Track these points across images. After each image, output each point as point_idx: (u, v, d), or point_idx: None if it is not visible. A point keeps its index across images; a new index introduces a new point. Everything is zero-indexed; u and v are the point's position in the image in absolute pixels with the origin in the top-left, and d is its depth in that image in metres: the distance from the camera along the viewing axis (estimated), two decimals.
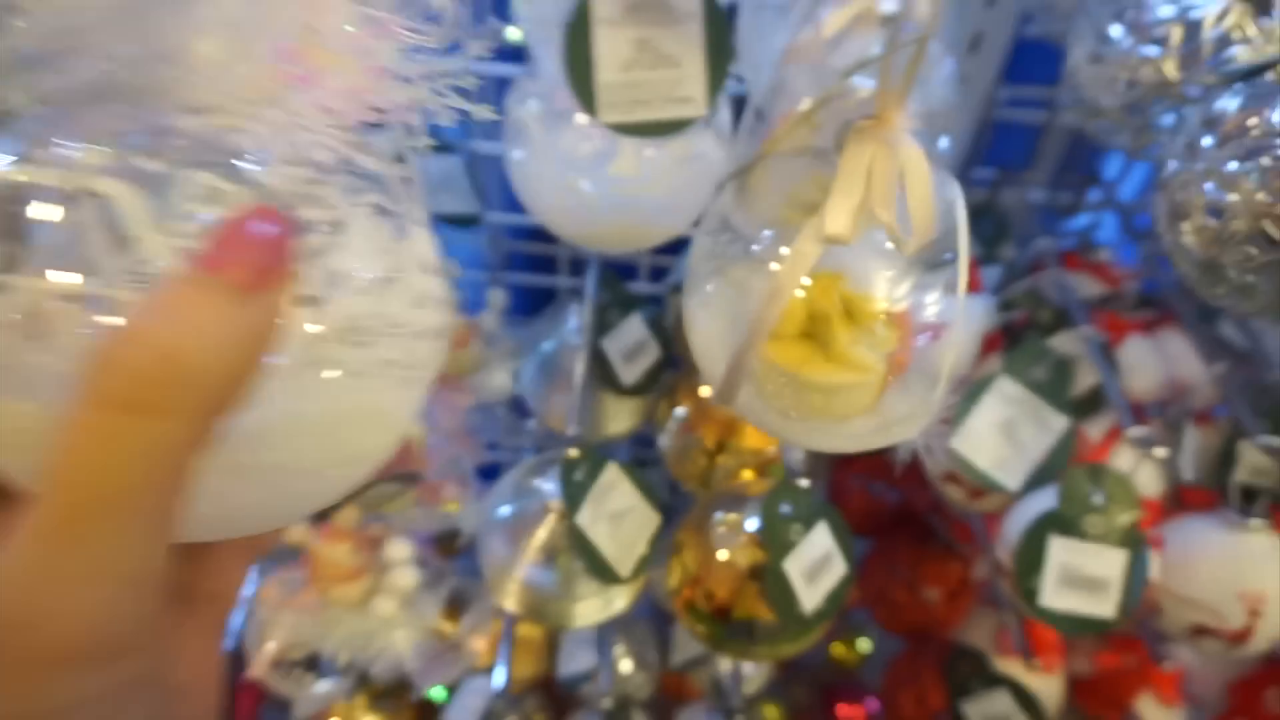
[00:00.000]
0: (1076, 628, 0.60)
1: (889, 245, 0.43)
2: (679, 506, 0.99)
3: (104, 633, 0.17)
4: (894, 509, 1.01)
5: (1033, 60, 0.78)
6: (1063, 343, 0.68)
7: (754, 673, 0.99)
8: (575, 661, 0.97)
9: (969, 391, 0.66)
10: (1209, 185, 0.42)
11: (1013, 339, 0.73)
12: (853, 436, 0.46)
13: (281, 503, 0.23)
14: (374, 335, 0.22)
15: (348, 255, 0.21)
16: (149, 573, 0.17)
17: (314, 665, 0.75)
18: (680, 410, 0.77)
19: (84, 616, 0.16)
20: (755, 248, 0.47)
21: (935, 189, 0.41)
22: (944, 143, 0.55)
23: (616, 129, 0.49)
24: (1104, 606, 0.59)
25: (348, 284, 0.21)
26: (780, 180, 0.47)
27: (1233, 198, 0.41)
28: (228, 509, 0.21)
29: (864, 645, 1.19)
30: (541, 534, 0.67)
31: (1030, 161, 0.84)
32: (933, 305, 0.47)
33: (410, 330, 0.23)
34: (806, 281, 0.45)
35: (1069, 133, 0.82)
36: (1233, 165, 0.41)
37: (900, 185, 0.40)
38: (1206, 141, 0.43)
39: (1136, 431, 0.57)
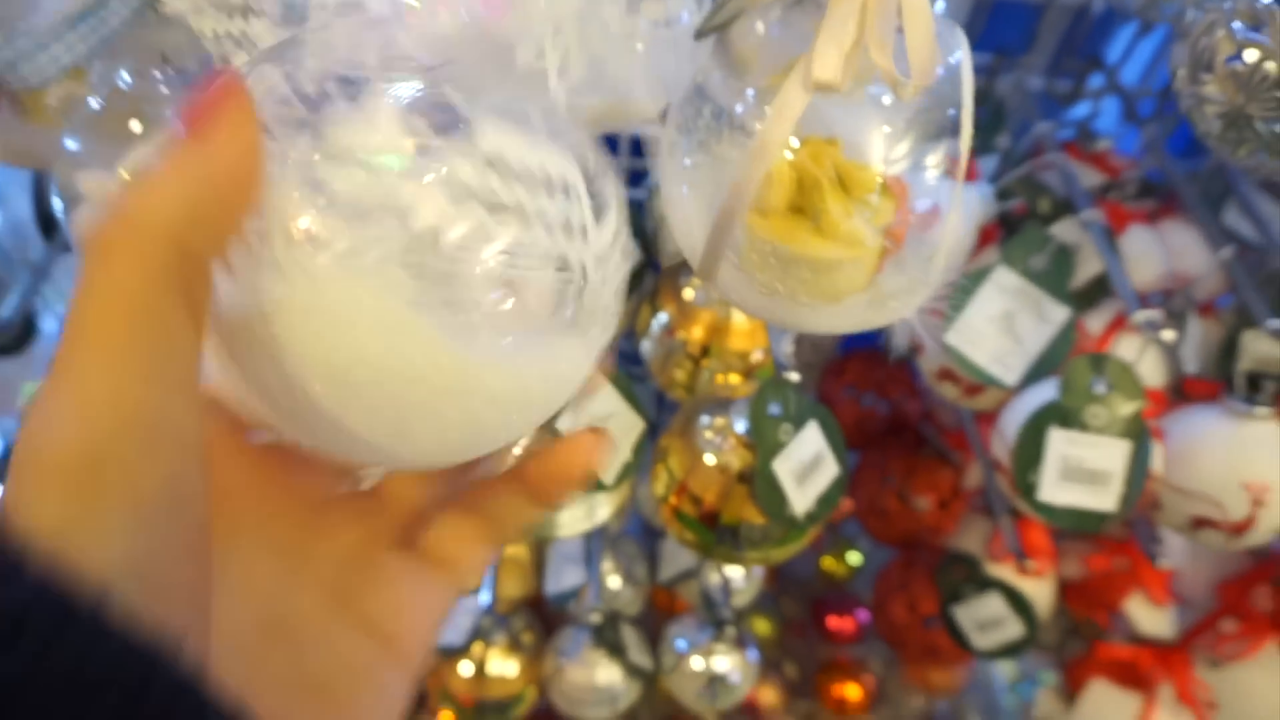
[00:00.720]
0: (1076, 522, 0.58)
1: (886, 101, 0.39)
2: (666, 421, 0.97)
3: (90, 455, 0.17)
4: (885, 419, 0.99)
5: None
6: (1063, 231, 0.65)
7: (744, 586, 0.98)
8: (563, 578, 0.95)
9: (964, 283, 0.63)
10: (1236, 24, 0.38)
11: (1010, 229, 0.69)
12: (843, 313, 0.43)
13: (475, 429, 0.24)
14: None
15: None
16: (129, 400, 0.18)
17: None
18: (663, 315, 0.74)
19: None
20: (735, 116, 0.43)
21: (937, 35, 0.37)
22: (941, 3, 0.51)
23: None
24: (1105, 499, 0.57)
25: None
26: (766, 36, 0.43)
27: (1264, 37, 0.37)
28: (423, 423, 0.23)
29: (854, 558, 1.18)
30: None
31: (1028, 45, 0.79)
32: (932, 175, 0.43)
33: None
34: (796, 146, 0.41)
35: (1069, 13, 0.77)
36: (1265, 1, 0.37)
37: (898, 25, 0.36)
38: None
39: (1142, 315, 0.55)
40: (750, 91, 0.42)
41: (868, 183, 0.43)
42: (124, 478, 0.17)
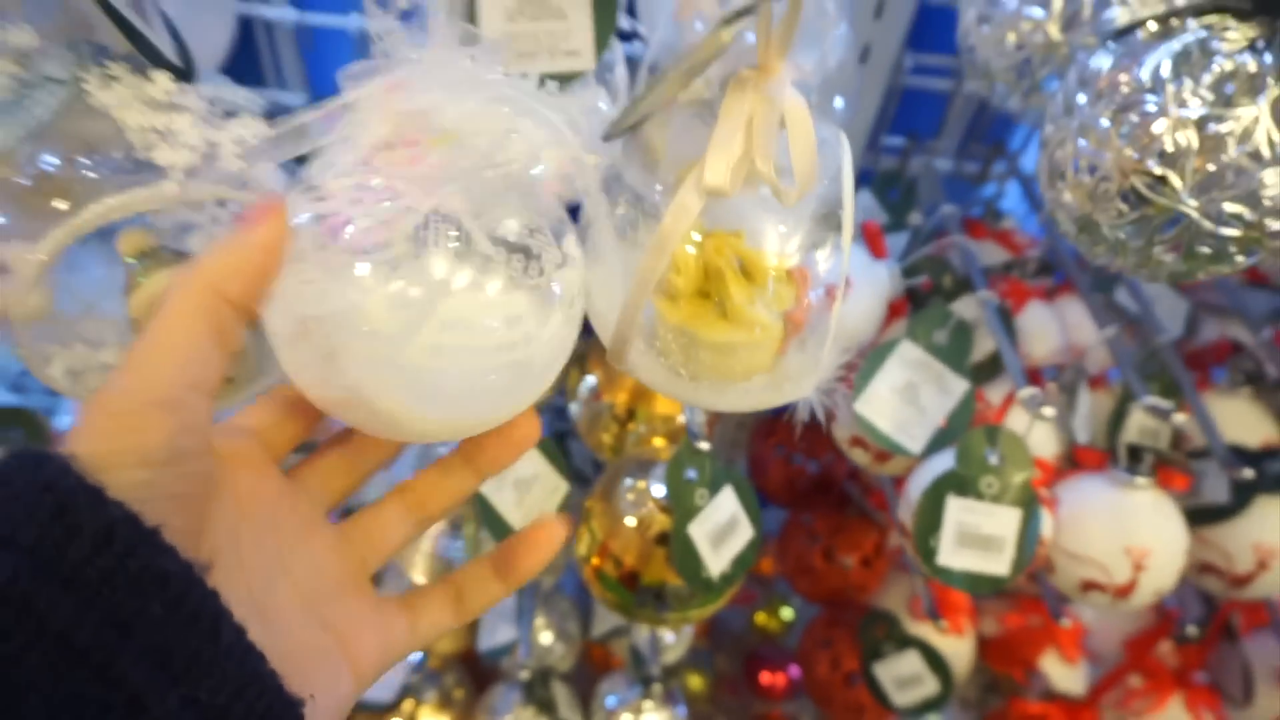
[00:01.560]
0: (973, 585, 0.61)
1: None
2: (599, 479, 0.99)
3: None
4: (813, 478, 1.02)
5: (939, 28, 0.79)
6: (964, 307, 0.69)
7: (675, 642, 1.00)
8: (496, 634, 0.96)
9: (872, 356, 0.67)
10: (1083, 142, 0.43)
11: (917, 305, 0.74)
12: (745, 394, 0.46)
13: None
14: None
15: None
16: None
17: None
18: (590, 378, 0.77)
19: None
20: (648, 202, 0.46)
21: (824, 143, 0.41)
22: (839, 103, 0.55)
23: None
24: (998, 564, 0.61)
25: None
26: (673, 135, 0.46)
27: (1105, 155, 0.42)
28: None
29: (787, 614, 1.21)
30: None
31: (938, 130, 0.85)
32: (829, 263, 0.47)
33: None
34: (699, 238, 0.45)
35: (975, 101, 0.83)
36: (1105, 122, 0.42)
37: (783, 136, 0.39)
38: (1081, 99, 0.44)
39: (1026, 393, 0.59)
40: (659, 187, 0.45)
41: (768, 270, 0.46)
42: (146, 427, 0.25)
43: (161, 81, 0.37)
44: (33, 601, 0.21)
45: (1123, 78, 0.42)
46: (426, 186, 0.33)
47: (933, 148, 0.85)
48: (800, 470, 1.02)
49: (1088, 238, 0.46)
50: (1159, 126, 0.40)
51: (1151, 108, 0.40)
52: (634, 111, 0.45)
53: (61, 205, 0.41)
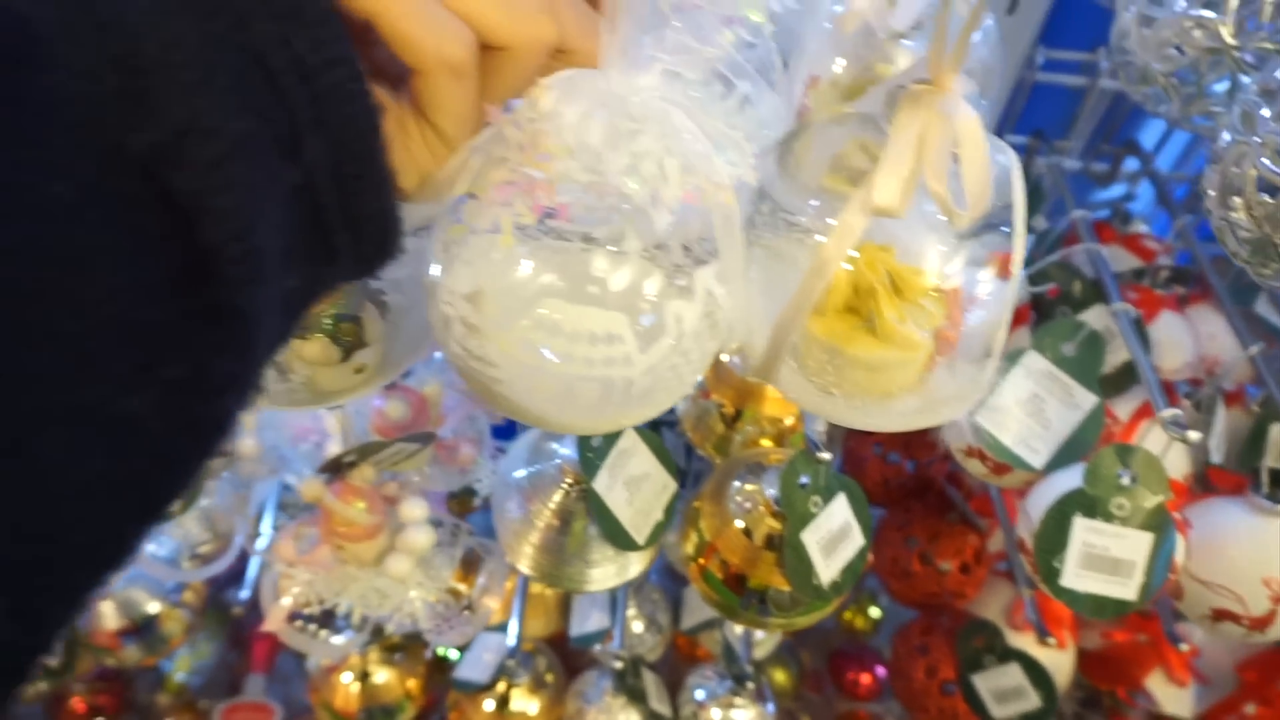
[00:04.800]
0: (1097, 609, 0.59)
1: (941, 216, 0.41)
2: (696, 470, 0.99)
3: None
4: (910, 479, 1.00)
5: (1073, 22, 0.75)
6: (1095, 317, 0.67)
7: (764, 636, 0.99)
8: (587, 621, 0.97)
9: (999, 368, 0.65)
10: (1265, 160, 0.40)
11: (1043, 312, 0.71)
12: (897, 415, 0.45)
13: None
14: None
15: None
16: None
17: (329, 620, 0.75)
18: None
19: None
20: (797, 218, 0.45)
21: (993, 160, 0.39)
22: (984, 104, 0.53)
23: None
24: (1126, 589, 0.58)
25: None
26: (823, 147, 0.45)
27: None
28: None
29: (875, 612, 1.19)
30: (557, 498, 0.67)
31: (1066, 128, 0.81)
32: (984, 281, 0.45)
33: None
34: (853, 253, 0.43)
35: (1107, 98, 0.79)
36: None
37: (954, 154, 0.38)
38: (1265, 113, 0.41)
39: (1168, 414, 0.56)
40: (813, 202, 0.44)
41: (920, 287, 0.45)
42: None
43: None
44: None
45: None
46: (539, 192, 0.35)
47: (1060, 146, 0.81)
48: (897, 469, 1.00)
49: (1260, 258, 0.43)
50: None
51: None
52: (799, 128, 0.44)
53: None
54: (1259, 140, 0.41)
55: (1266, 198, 0.40)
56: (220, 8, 0.23)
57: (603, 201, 0.35)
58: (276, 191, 0.25)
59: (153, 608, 0.91)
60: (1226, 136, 0.44)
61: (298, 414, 0.74)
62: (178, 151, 0.22)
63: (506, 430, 0.85)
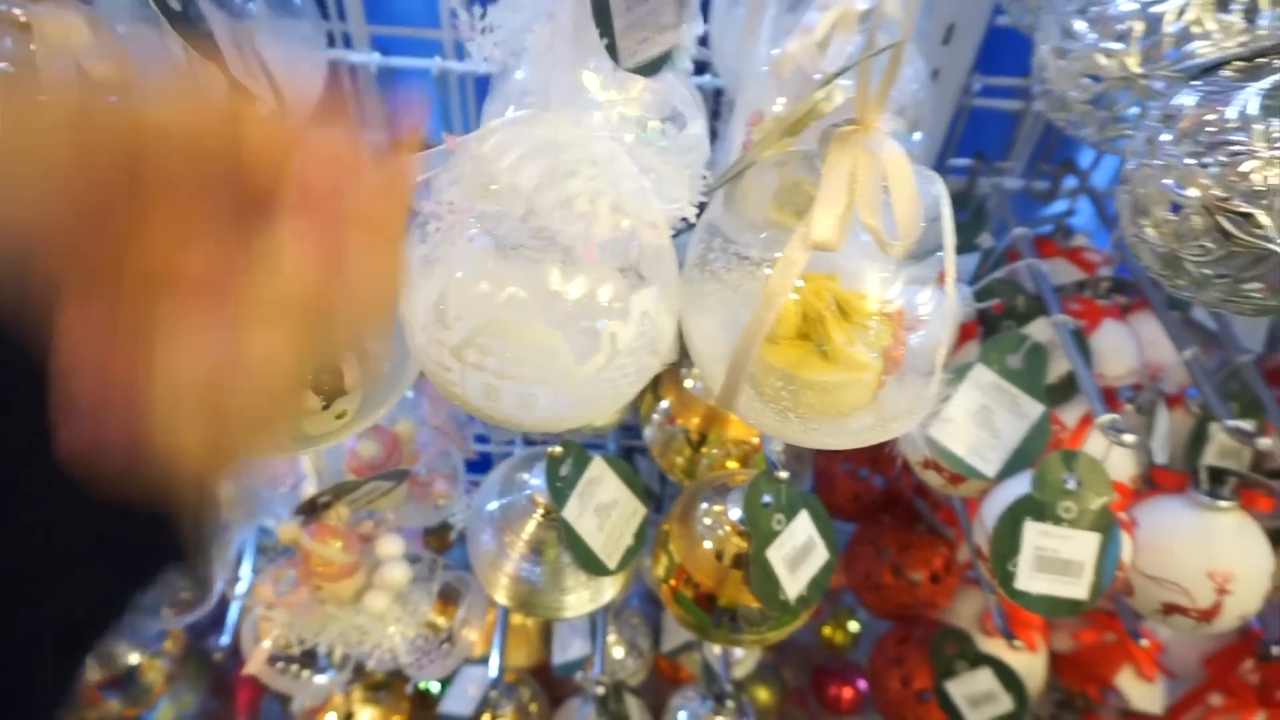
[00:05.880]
0: (1051, 609, 0.61)
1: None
2: (671, 494, 1.01)
3: None
4: (880, 493, 1.02)
5: (1007, 50, 0.79)
6: (1038, 330, 0.70)
7: (745, 655, 1.01)
8: (569, 649, 0.98)
9: (947, 382, 0.67)
10: (1168, 181, 0.43)
11: (989, 327, 0.74)
12: (852, 433, 0.47)
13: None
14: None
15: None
16: None
17: (310, 661, 0.76)
18: (664, 403, 0.78)
19: None
20: (747, 251, 0.48)
21: (918, 186, 0.42)
22: (917, 137, 0.56)
23: (633, 71, 0.47)
24: (1077, 589, 0.61)
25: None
26: (766, 184, 0.48)
27: (1190, 193, 0.42)
28: None
29: (854, 626, 1.21)
30: (529, 528, 0.68)
31: (1006, 150, 0.85)
32: (924, 301, 0.48)
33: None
34: (799, 283, 0.46)
35: (1044, 121, 0.83)
36: (1190, 161, 0.42)
37: (885, 188, 0.41)
38: (1165, 138, 0.44)
39: (1106, 419, 0.59)
40: (761, 235, 0.47)
41: (865, 311, 0.48)
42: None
43: None
44: None
45: (1209, 117, 0.42)
46: (486, 221, 0.40)
47: (1001, 167, 0.85)
48: (867, 485, 1.03)
49: (1171, 272, 0.46)
50: (1247, 165, 0.41)
51: (1239, 147, 0.41)
52: (735, 168, 0.47)
53: None
54: (1160, 163, 0.44)
55: (1171, 215, 0.43)
56: None
57: (538, 236, 0.38)
58: None
59: (133, 658, 0.91)
60: (1133, 161, 0.47)
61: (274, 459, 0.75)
62: None
63: (481, 464, 0.87)
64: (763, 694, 1.11)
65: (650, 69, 0.42)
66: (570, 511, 0.64)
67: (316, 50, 0.66)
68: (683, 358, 0.82)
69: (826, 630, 1.20)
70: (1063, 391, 0.72)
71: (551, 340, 0.40)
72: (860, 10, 0.57)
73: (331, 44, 0.79)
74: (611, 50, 0.38)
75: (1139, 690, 0.91)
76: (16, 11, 0.49)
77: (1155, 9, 0.50)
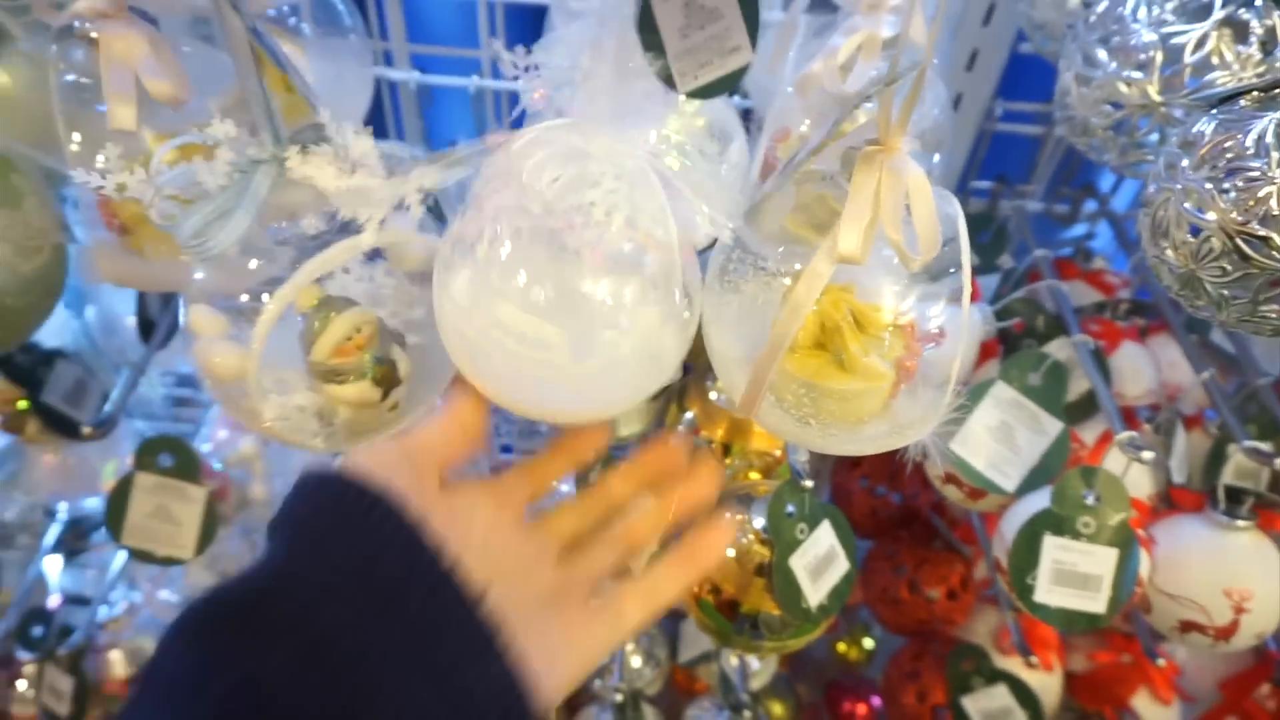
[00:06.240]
0: (1069, 623, 0.62)
1: (895, 260, 0.46)
2: None
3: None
4: (897, 510, 1.03)
5: (1029, 76, 0.81)
6: (1058, 349, 0.71)
7: (760, 668, 1.02)
8: None
9: (967, 396, 0.69)
10: (1187, 204, 0.45)
11: (1010, 345, 0.76)
12: (868, 439, 0.49)
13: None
14: None
15: None
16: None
17: None
18: (689, 414, 0.80)
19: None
20: (766, 264, 0.50)
21: (937, 206, 0.44)
22: (936, 159, 0.58)
23: (692, 95, 0.49)
24: (1095, 603, 0.62)
25: None
26: (784, 199, 0.50)
27: (1209, 216, 0.44)
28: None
29: (869, 643, 1.21)
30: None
31: (1028, 173, 0.87)
32: (937, 315, 0.50)
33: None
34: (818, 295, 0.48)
35: (1065, 145, 0.85)
36: (1209, 186, 0.44)
37: (906, 206, 0.42)
38: (1185, 163, 0.46)
39: (1125, 437, 0.60)
40: (779, 248, 0.49)
41: (879, 322, 0.49)
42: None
43: (360, 144, 0.42)
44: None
45: (1227, 143, 0.44)
46: (510, 218, 0.41)
47: (1022, 190, 0.86)
48: (884, 501, 1.04)
49: (1190, 293, 0.47)
50: (1264, 191, 0.42)
51: (1256, 173, 0.42)
52: (774, 188, 0.48)
53: (253, 265, 0.46)
54: (1180, 187, 0.45)
55: (1190, 238, 0.45)
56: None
57: (554, 238, 0.40)
58: None
59: None
60: (1154, 185, 0.49)
61: (304, 456, 0.77)
62: None
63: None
64: (777, 708, 1.12)
65: (710, 91, 0.43)
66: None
67: (364, 67, 0.69)
68: (707, 371, 0.84)
69: (841, 646, 1.20)
70: (1082, 410, 0.73)
71: (546, 332, 0.42)
72: (885, 37, 0.59)
73: (374, 62, 0.82)
74: (665, 75, 0.40)
75: (1155, 713, 0.92)
76: (88, 27, 0.52)
77: (1176, 40, 0.51)
